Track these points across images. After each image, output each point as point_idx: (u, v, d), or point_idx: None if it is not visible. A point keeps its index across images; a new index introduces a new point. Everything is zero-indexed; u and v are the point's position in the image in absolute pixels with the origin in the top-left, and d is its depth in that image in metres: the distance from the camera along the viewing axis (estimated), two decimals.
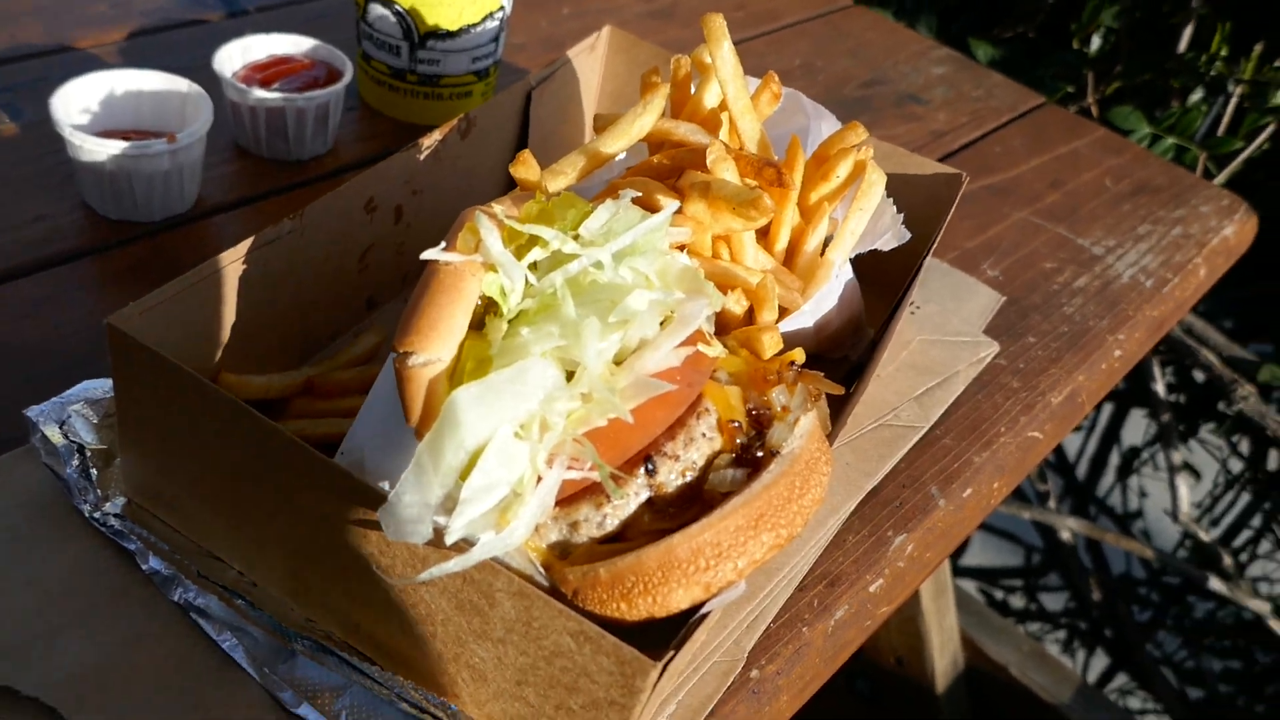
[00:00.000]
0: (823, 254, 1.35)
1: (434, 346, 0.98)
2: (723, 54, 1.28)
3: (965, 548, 4.22)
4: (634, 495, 1.01)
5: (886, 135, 2.26)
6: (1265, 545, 4.12)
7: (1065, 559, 4.04)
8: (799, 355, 1.13)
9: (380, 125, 2.02)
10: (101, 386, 1.31)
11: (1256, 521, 4.00)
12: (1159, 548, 4.20)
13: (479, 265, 1.01)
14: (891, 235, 1.38)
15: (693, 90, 1.40)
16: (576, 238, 1.08)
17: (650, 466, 1.01)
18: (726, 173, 1.23)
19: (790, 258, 1.35)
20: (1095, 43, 2.92)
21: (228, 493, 1.15)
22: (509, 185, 1.73)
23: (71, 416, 1.25)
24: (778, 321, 1.27)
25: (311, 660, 1.13)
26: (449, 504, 0.97)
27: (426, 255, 1.01)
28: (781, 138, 1.41)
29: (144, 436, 1.18)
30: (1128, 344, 1.92)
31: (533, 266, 1.05)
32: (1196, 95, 2.92)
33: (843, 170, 1.31)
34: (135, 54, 2.08)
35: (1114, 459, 4.28)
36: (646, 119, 1.30)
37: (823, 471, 1.07)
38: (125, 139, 1.65)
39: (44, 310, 1.51)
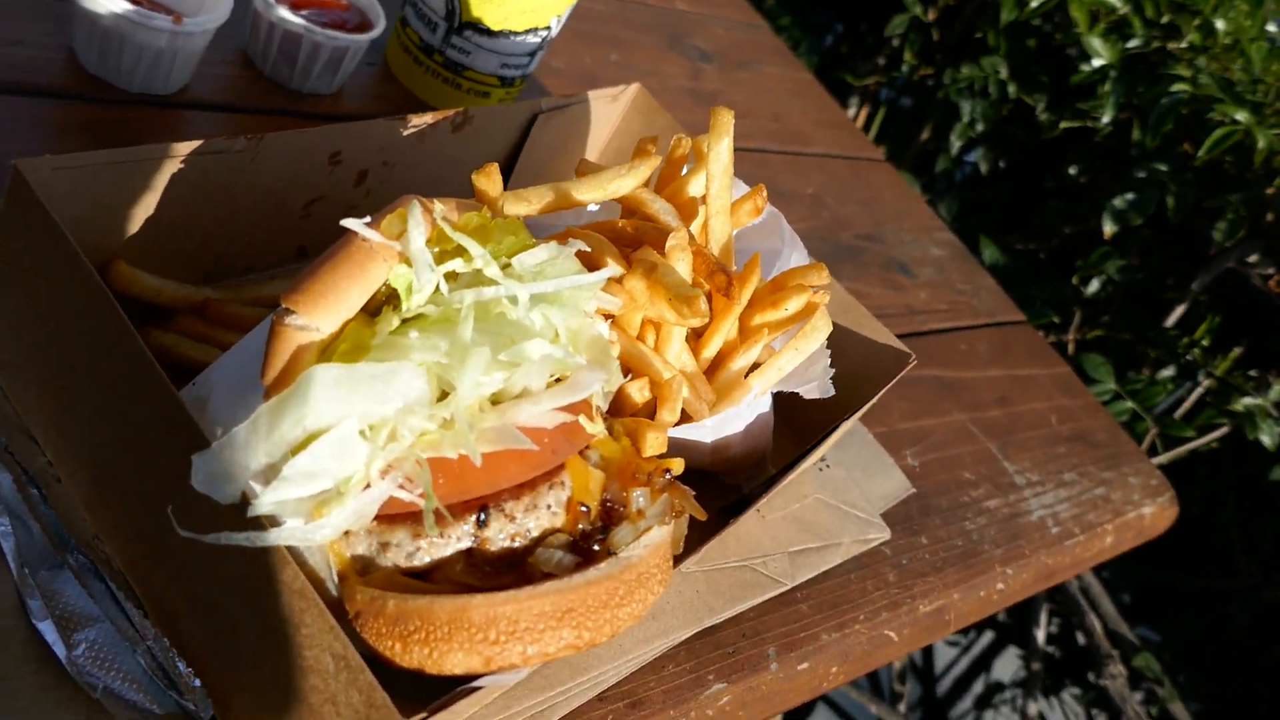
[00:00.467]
0: (745, 376, 1.31)
1: (317, 314, 0.93)
2: (719, 150, 1.25)
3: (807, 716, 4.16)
4: (454, 539, 0.96)
5: (863, 291, 2.26)
6: None
7: None
8: (677, 465, 1.09)
9: (392, 91, 1.98)
10: None
11: None
12: None
13: (394, 253, 0.97)
14: (817, 386, 1.35)
15: (683, 173, 1.38)
16: (505, 266, 1.04)
17: (482, 517, 0.96)
18: (680, 263, 1.20)
19: (713, 369, 1.32)
20: (1093, 285, 2.96)
21: (65, 376, 1.09)
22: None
23: None
24: (676, 425, 1.23)
25: (77, 580, 1.06)
26: (269, 475, 0.91)
27: (347, 223, 0.97)
28: (748, 252, 1.38)
29: (7, 287, 1.12)
30: (1014, 581, 1.89)
31: (450, 276, 1.00)
32: (1168, 371, 2.96)
33: (793, 305, 1.29)
34: None
35: (977, 686, 4.25)
36: (627, 181, 1.27)
37: (652, 590, 1.02)
38: (134, 2, 1.60)
39: None
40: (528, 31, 1.89)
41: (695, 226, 1.33)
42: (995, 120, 3.22)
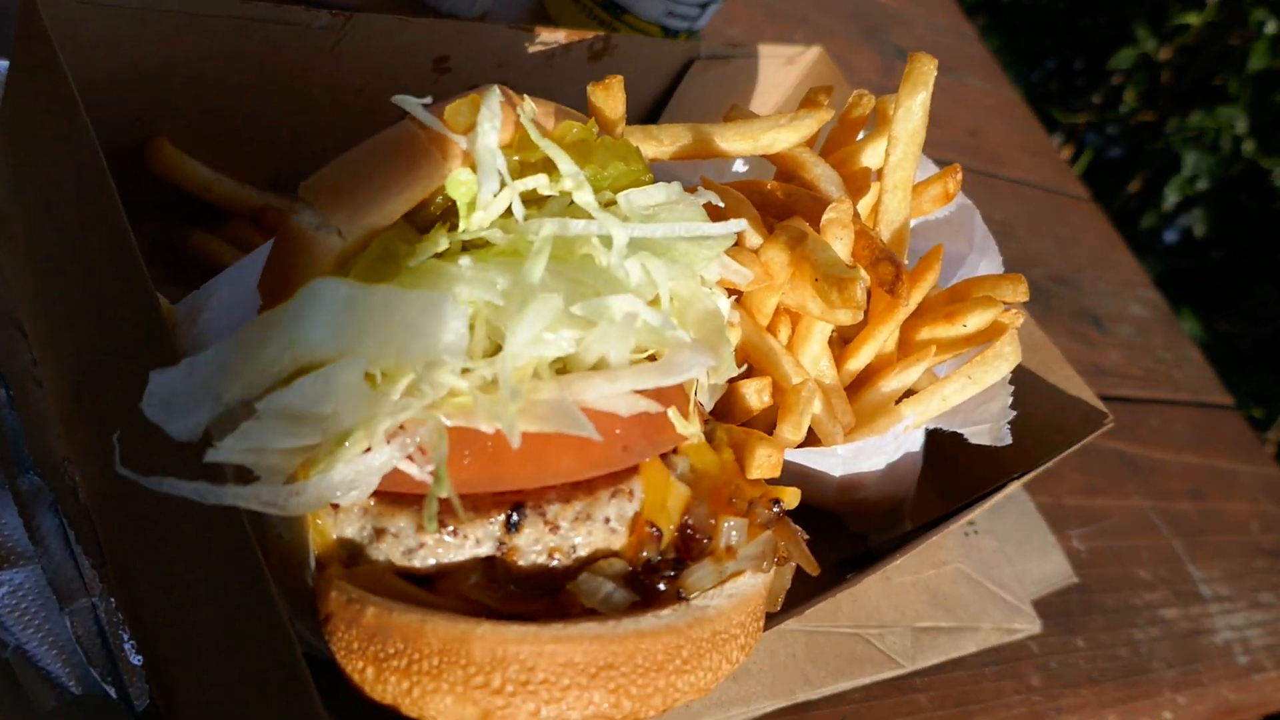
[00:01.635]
0: (898, 402, 1.03)
1: (339, 213, 0.70)
2: (910, 107, 0.98)
3: None
4: (472, 541, 0.70)
5: (1053, 327, 1.93)
6: None
7: None
8: (790, 497, 0.82)
9: (541, 23, 1.76)
10: None
11: None
12: None
13: (458, 151, 0.73)
14: (989, 430, 1.05)
15: (859, 138, 1.10)
16: (607, 201, 0.79)
17: (514, 519, 0.71)
18: (838, 241, 0.93)
19: (858, 386, 1.04)
20: None
21: (55, 259, 0.88)
22: None
23: None
24: (798, 446, 0.96)
25: (18, 508, 0.85)
26: (243, 413, 0.68)
27: (401, 100, 0.73)
28: (927, 247, 1.10)
29: (12, 143, 0.92)
30: (1185, 713, 1.55)
31: (529, 198, 0.76)
32: None
33: (975, 321, 1.00)
34: None
35: None
36: (785, 135, 1.00)
37: (729, 657, 0.75)
38: None
39: None
40: None
41: (864, 204, 1.05)
42: (1222, 179, 2.84)
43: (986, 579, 1.44)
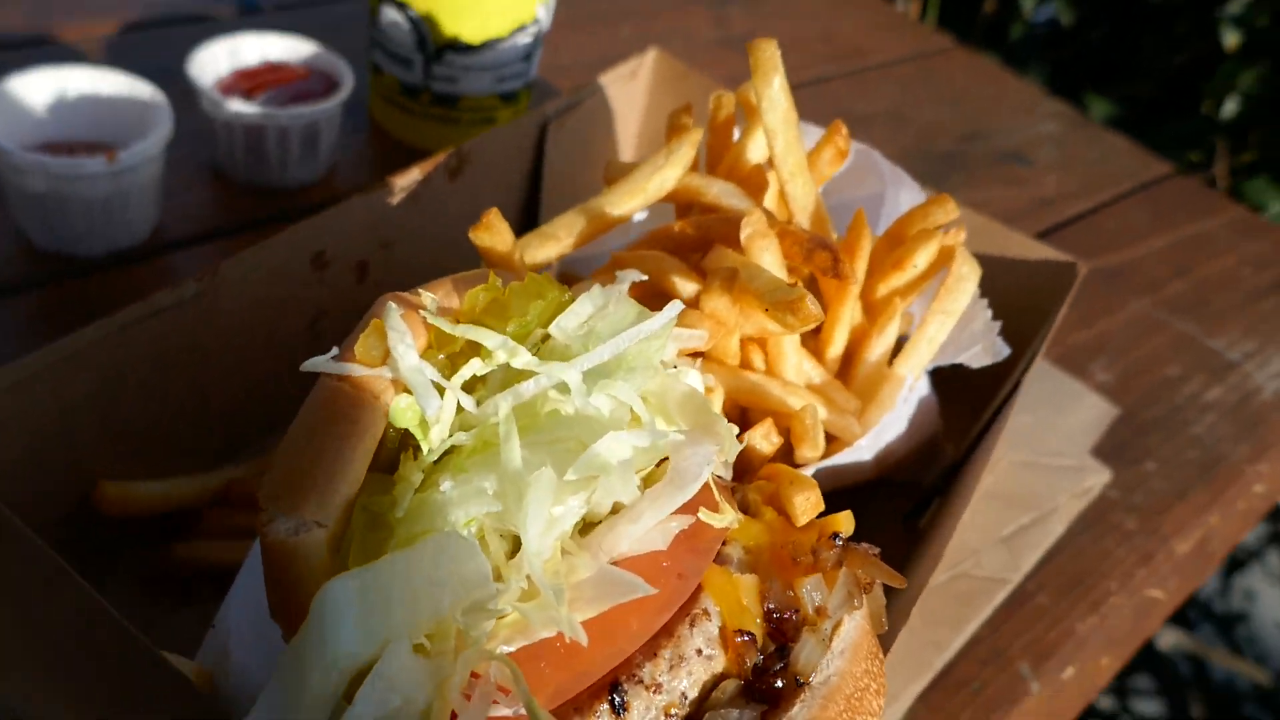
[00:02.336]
0: (890, 364, 1.02)
1: (307, 507, 0.67)
2: (771, 94, 0.95)
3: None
4: None
5: (982, 199, 1.92)
6: None
7: (1159, 664, 3.63)
8: (846, 523, 0.80)
9: (389, 151, 1.73)
10: None
11: None
12: (1276, 668, 3.75)
13: (387, 384, 0.70)
14: (983, 349, 1.04)
15: (735, 138, 1.08)
16: (543, 341, 0.77)
17: (616, 700, 0.69)
18: (765, 255, 0.91)
19: (847, 367, 1.03)
20: (1229, 108, 2.54)
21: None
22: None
23: None
24: (828, 454, 0.94)
25: None
26: None
27: (310, 365, 0.70)
28: (846, 207, 1.08)
29: None
30: (1272, 476, 1.55)
31: (471, 385, 0.73)
32: None
33: (922, 259, 0.98)
34: (126, 50, 1.81)
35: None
36: (669, 173, 0.98)
37: (873, 708, 0.74)
38: (69, 153, 1.37)
39: None
40: (514, 32, 1.61)
41: (770, 200, 1.03)
42: None
43: (1040, 457, 1.44)
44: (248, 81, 1.59)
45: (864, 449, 0.98)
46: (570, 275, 1.11)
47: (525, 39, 1.64)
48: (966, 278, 0.99)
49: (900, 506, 1.25)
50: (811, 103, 2.02)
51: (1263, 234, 2.07)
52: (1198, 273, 1.92)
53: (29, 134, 1.41)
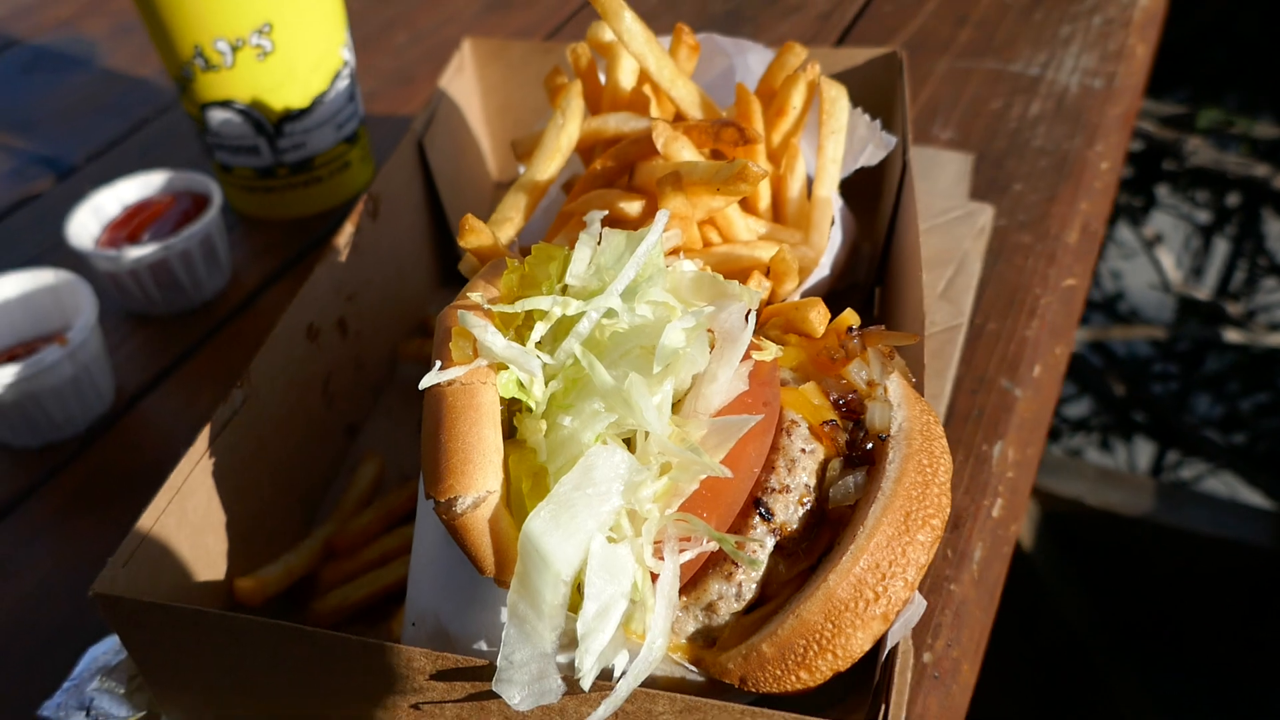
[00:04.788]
0: (810, 194, 1.20)
1: (476, 482, 0.82)
2: (627, 27, 1.11)
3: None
4: (761, 549, 0.86)
5: (774, 39, 2.11)
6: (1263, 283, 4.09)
7: (1075, 366, 3.99)
8: (852, 318, 0.99)
9: (269, 233, 1.83)
10: (108, 647, 1.13)
11: (1243, 265, 3.97)
12: (1164, 322, 4.14)
13: (486, 370, 0.85)
14: (874, 147, 1.23)
15: (601, 79, 1.24)
16: (562, 293, 0.92)
17: (764, 510, 0.86)
18: (683, 152, 1.08)
19: (778, 210, 1.20)
20: None
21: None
22: (440, 251, 1.56)
23: (95, 698, 1.08)
24: (800, 285, 1.13)
25: None
26: (565, 642, 0.82)
27: (425, 383, 0.85)
28: (709, 89, 1.25)
29: (183, 686, 1.01)
30: (1109, 152, 1.80)
31: (539, 344, 0.89)
32: None
33: (797, 99, 1.16)
34: None
35: None
36: (572, 127, 1.14)
37: (937, 434, 0.93)
38: (11, 359, 1.45)
39: (3, 583, 1.32)
40: (334, 81, 1.73)
41: (655, 111, 1.20)
42: None
43: (935, 219, 1.65)
44: (124, 229, 1.68)
45: (824, 268, 1.17)
46: (524, 250, 1.26)
47: (344, 83, 1.76)
48: (837, 99, 1.17)
49: (854, 305, 1.45)
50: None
51: None
52: (973, 16, 2.15)
53: None
